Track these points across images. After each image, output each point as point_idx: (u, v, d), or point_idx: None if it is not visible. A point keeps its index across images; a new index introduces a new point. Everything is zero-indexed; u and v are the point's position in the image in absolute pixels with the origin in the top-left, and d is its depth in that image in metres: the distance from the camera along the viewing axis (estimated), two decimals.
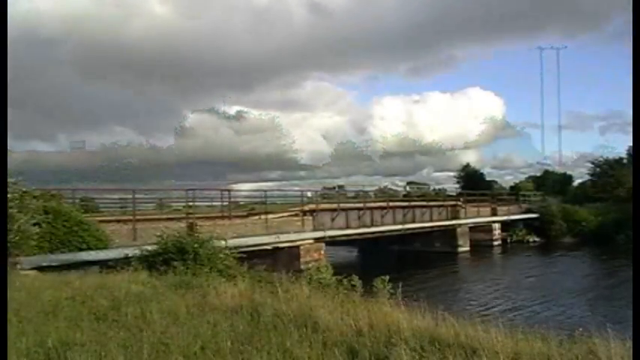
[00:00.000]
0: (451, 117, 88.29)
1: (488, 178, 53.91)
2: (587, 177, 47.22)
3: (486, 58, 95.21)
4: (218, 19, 75.98)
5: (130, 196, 18.99)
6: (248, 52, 75.56)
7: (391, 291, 8.14)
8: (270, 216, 21.81)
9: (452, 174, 58.28)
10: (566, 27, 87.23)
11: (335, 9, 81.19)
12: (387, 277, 10.09)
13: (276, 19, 78.53)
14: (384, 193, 37.49)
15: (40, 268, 10.75)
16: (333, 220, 25.89)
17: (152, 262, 10.38)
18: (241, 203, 26.47)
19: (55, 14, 64.49)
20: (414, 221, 30.83)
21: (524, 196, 43.55)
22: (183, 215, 19.27)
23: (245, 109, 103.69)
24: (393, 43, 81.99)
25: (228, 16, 77.86)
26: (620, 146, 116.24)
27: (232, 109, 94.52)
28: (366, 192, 34.64)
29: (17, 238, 9.69)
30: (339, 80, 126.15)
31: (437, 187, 53.54)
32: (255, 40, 76.31)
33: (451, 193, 45.73)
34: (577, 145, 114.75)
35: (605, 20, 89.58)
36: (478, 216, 35.27)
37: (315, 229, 23.35)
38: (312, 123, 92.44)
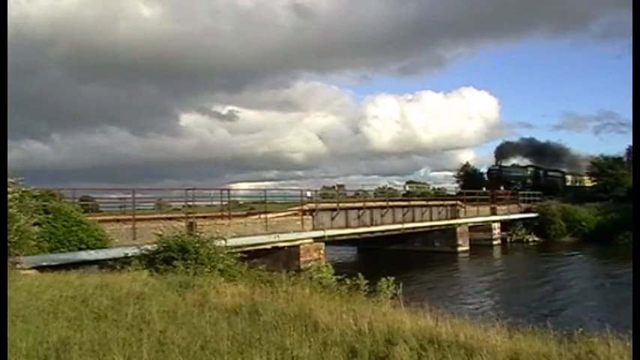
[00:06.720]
0: (446, 116, 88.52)
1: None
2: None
3: (477, 58, 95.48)
4: (204, 21, 76.46)
5: (130, 196, 19.00)
6: (235, 54, 75.99)
7: (390, 290, 8.17)
8: (269, 215, 21.79)
9: (450, 173, 58.31)
10: (555, 26, 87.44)
11: (319, 11, 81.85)
12: (392, 278, 10.14)
13: (262, 21, 78.99)
14: (384, 193, 37.46)
15: (40, 268, 10.75)
16: (332, 219, 25.87)
17: (152, 261, 10.39)
18: (241, 203, 26.49)
19: (44, 17, 64.72)
20: (413, 220, 30.80)
21: (523, 195, 43.52)
22: (183, 215, 19.26)
23: (237, 109, 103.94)
24: (379, 44, 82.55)
25: (214, 19, 78.36)
26: (616, 146, 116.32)
27: (225, 109, 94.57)
28: (366, 191, 34.60)
29: (17, 237, 9.68)
30: (331, 80, 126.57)
31: (436, 186, 53.64)
32: (241, 42, 76.83)
33: (451, 193, 45.71)
34: (573, 144, 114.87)
35: (592, 20, 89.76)
36: (478, 215, 35.22)
37: (314, 229, 23.33)
38: (307, 123, 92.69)
